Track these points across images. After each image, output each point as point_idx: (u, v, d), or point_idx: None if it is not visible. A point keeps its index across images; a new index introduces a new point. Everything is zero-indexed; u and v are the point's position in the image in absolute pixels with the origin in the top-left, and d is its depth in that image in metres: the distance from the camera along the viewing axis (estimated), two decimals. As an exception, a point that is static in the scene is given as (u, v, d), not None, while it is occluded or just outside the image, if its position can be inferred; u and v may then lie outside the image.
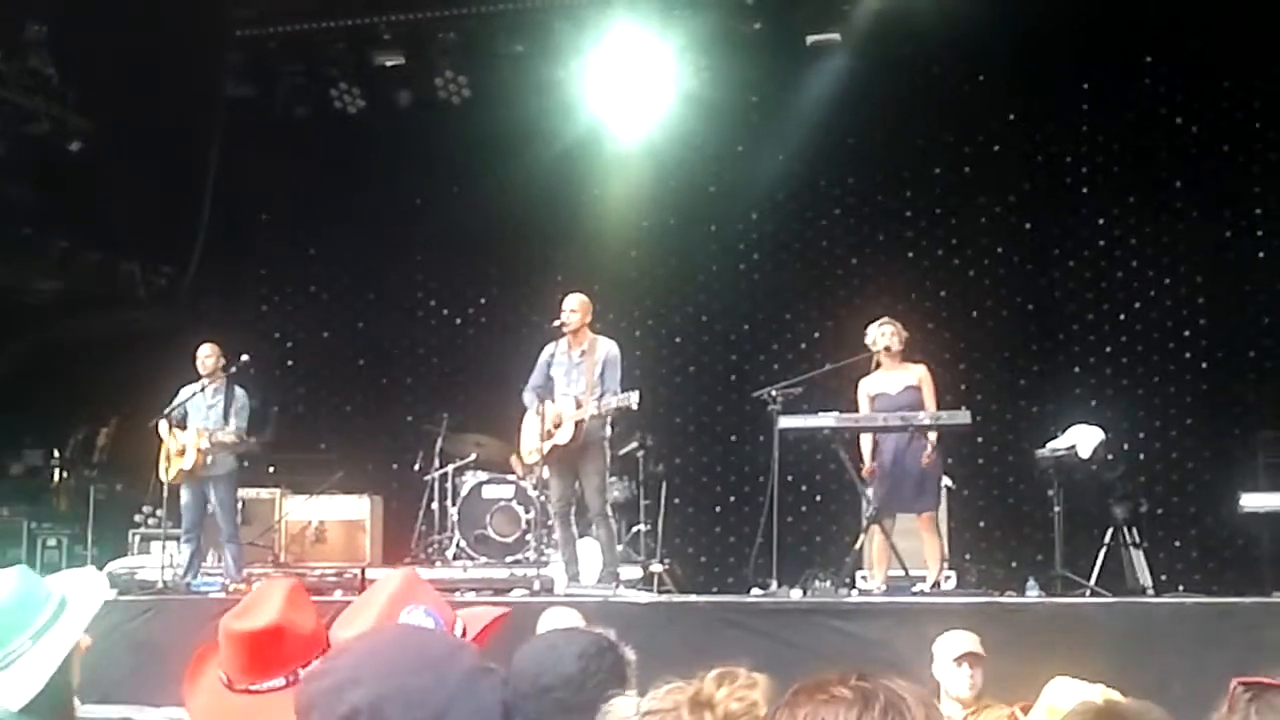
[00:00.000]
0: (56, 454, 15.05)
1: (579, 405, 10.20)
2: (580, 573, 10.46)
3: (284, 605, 3.09)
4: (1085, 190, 13.45)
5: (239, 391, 11.41)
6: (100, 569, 11.75)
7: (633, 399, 9.97)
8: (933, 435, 10.02)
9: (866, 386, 10.29)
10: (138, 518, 12.90)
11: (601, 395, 10.13)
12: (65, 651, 2.91)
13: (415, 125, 14.06)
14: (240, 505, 12.70)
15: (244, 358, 11.53)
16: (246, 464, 12.73)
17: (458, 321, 14.98)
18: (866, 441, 10.25)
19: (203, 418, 11.27)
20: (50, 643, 2.90)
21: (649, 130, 13.52)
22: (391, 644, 1.65)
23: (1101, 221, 13.36)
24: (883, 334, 10.20)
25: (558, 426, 10.23)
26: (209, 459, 11.14)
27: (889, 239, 13.91)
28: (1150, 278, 13.23)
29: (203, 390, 11.36)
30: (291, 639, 3.03)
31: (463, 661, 1.58)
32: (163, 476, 11.36)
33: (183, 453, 11.15)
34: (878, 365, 10.25)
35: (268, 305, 15.50)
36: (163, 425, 11.31)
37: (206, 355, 11.40)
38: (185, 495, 11.28)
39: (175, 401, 11.35)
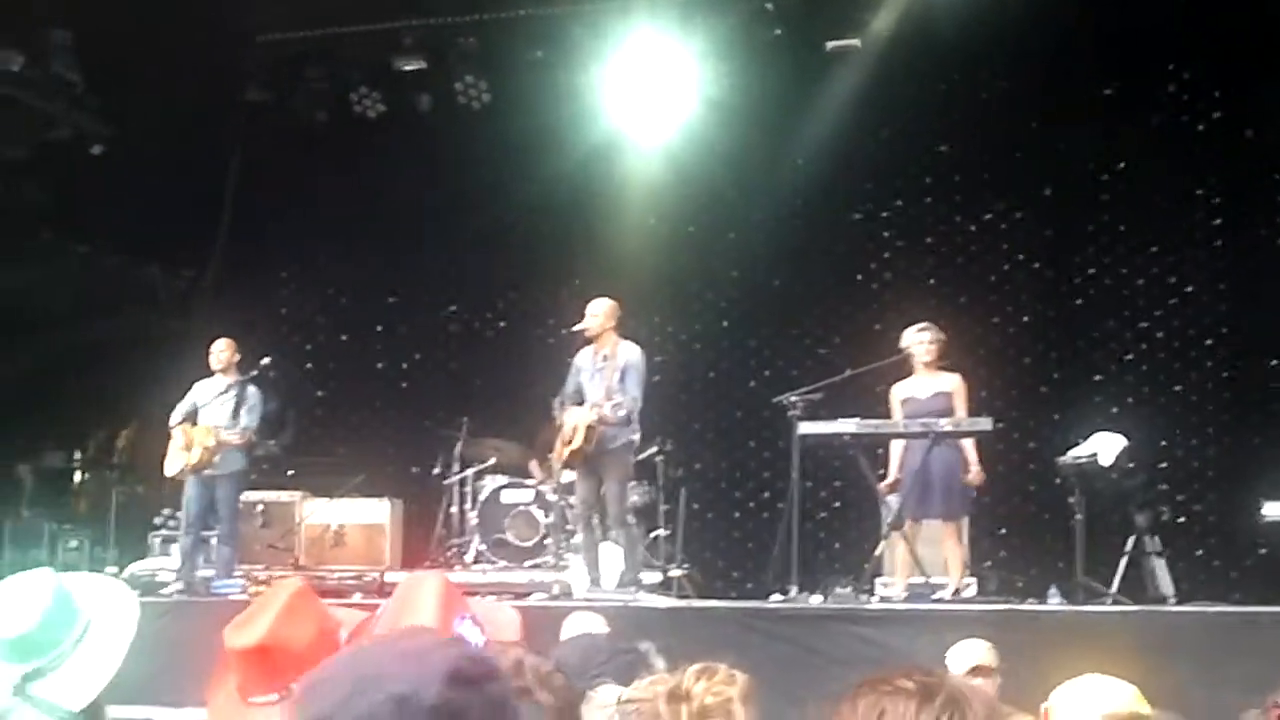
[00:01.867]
0: (78, 456, 15.12)
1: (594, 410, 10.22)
2: (601, 577, 10.46)
3: (276, 620, 3.05)
4: (1107, 197, 13.38)
5: (251, 390, 11.24)
6: (121, 571, 11.84)
7: (621, 409, 9.96)
8: (969, 445, 9.96)
9: (898, 391, 10.19)
10: (158, 519, 12.90)
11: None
12: (94, 691, 2.83)
13: (435, 130, 14.05)
14: (260, 508, 12.72)
15: (265, 361, 11.45)
16: (266, 466, 12.75)
17: (477, 326, 14.98)
18: (895, 450, 10.16)
19: (213, 414, 11.10)
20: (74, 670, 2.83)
21: (669, 136, 13.49)
22: (382, 652, 1.57)
23: (1123, 228, 13.29)
24: (920, 340, 10.07)
25: (574, 432, 10.24)
26: (216, 456, 10.97)
27: (909, 245, 13.87)
28: (1173, 285, 13.16)
29: (214, 385, 11.24)
30: (280, 656, 2.99)
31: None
32: (167, 471, 11.24)
33: (189, 447, 10.98)
34: (911, 370, 10.18)
35: (287, 308, 15.51)
36: (175, 420, 11.22)
37: (221, 350, 11.24)
38: (190, 490, 11.07)
39: (188, 396, 11.25)
